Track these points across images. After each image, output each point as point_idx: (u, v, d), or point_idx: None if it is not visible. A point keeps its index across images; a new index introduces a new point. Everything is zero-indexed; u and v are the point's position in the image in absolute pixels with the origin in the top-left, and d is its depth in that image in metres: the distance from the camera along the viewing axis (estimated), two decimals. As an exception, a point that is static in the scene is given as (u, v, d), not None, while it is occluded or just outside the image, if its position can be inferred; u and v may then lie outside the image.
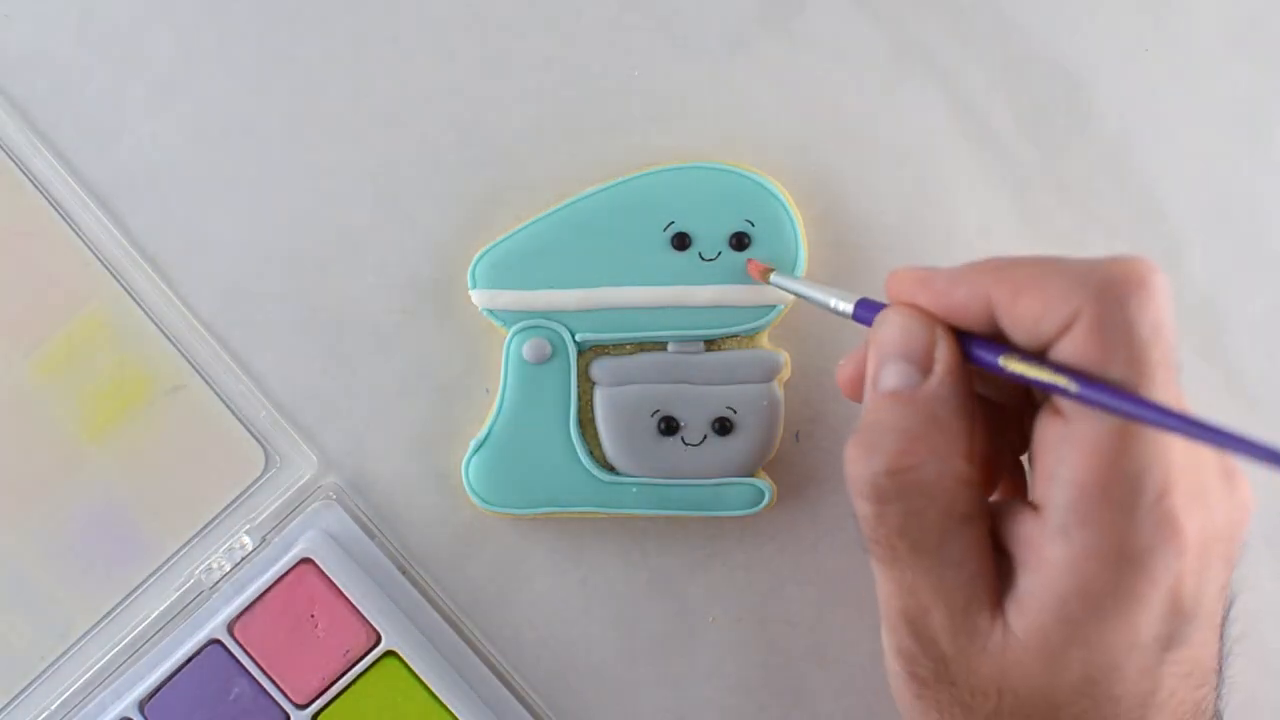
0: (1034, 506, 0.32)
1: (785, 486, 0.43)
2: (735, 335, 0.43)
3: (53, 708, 0.42)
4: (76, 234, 0.44)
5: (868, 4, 0.44)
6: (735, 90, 0.44)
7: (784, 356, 0.43)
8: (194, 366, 0.43)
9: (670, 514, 0.42)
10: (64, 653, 0.43)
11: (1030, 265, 0.32)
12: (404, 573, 0.43)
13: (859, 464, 0.33)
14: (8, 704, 0.42)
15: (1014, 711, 0.32)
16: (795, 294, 0.40)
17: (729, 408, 0.42)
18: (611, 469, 0.43)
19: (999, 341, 0.32)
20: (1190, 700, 0.33)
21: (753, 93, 0.44)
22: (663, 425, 0.42)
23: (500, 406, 0.43)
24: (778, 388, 0.43)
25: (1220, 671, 0.35)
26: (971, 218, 0.44)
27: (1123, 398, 0.30)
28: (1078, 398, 0.30)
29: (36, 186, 0.44)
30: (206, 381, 0.43)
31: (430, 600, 0.43)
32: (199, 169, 0.44)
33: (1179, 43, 0.45)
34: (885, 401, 0.33)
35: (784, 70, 0.44)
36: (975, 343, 0.33)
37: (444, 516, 0.44)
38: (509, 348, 0.42)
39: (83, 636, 0.43)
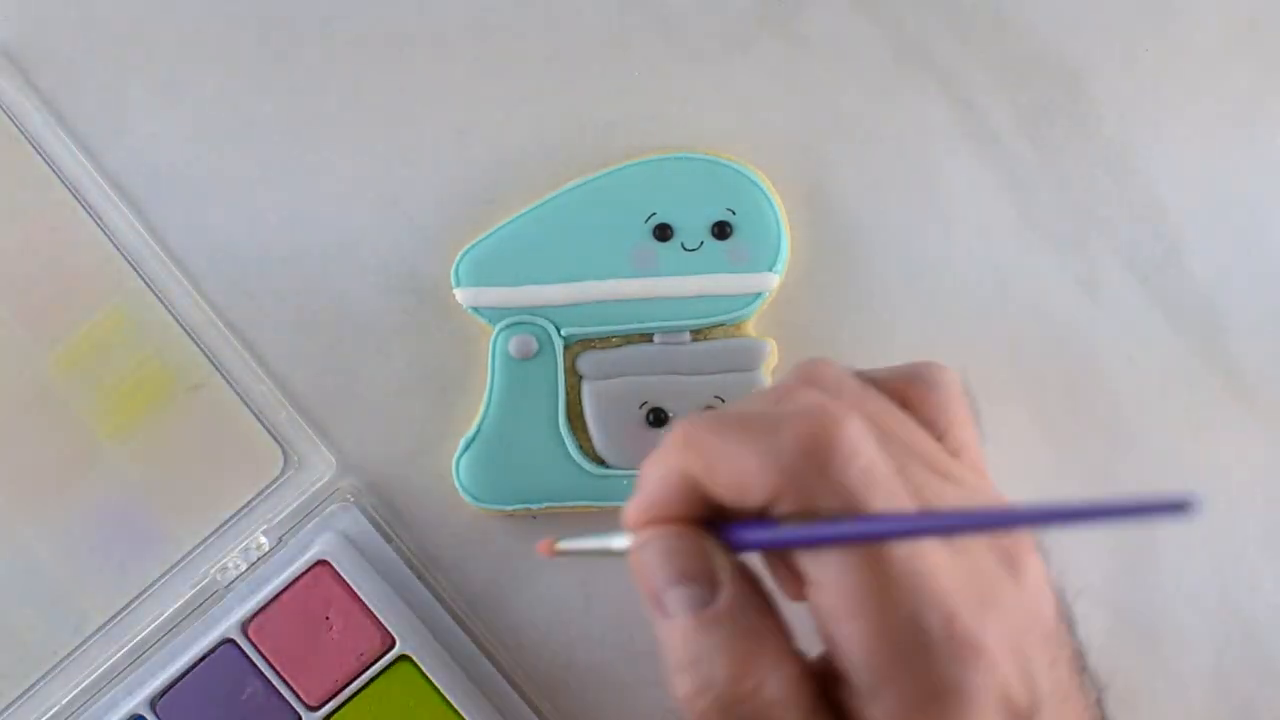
0: (841, 676, 0.31)
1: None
2: (721, 324, 0.43)
3: (64, 702, 0.43)
4: (101, 229, 0.44)
5: (868, 4, 0.44)
6: (735, 90, 0.44)
7: (770, 344, 0.43)
8: (214, 365, 0.44)
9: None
10: (77, 648, 0.43)
11: (716, 436, 0.31)
12: (419, 577, 0.43)
13: (698, 703, 0.30)
14: (20, 697, 0.43)
15: None
16: (583, 552, 0.37)
17: (717, 397, 0.43)
18: (602, 462, 0.43)
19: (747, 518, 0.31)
20: None
21: (752, 92, 0.44)
22: (651, 417, 0.43)
23: (488, 404, 0.43)
24: (765, 376, 0.43)
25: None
26: (971, 218, 0.44)
27: (844, 522, 0.29)
28: (801, 542, 0.29)
29: (62, 180, 0.44)
30: (226, 380, 0.44)
31: (444, 604, 0.43)
32: (209, 167, 0.44)
33: (1179, 43, 0.45)
34: (690, 629, 0.30)
35: (784, 70, 0.44)
36: (725, 529, 0.31)
37: (445, 516, 0.44)
38: (495, 345, 0.43)
39: (96, 632, 0.43)
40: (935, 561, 0.30)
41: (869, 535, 0.29)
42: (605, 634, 0.44)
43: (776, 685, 0.30)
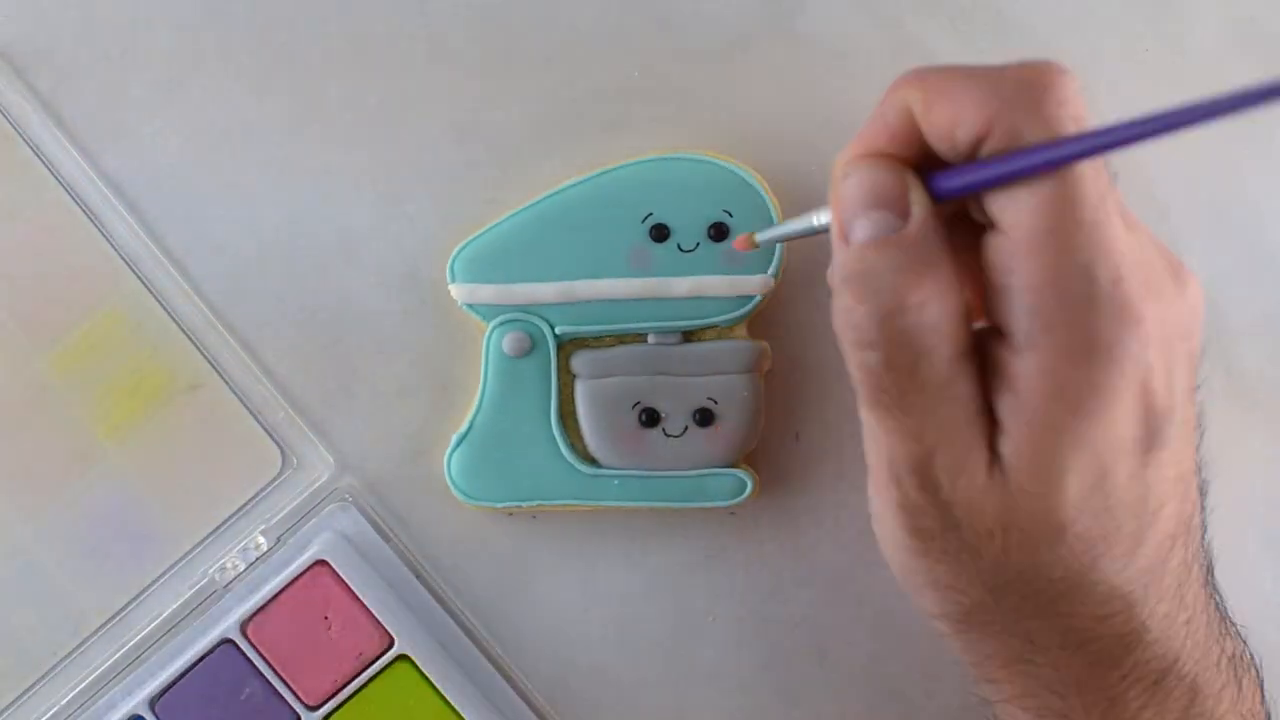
0: (999, 331, 0.31)
1: (784, 484, 0.44)
2: (714, 326, 0.43)
3: (63, 703, 0.43)
4: (99, 230, 0.44)
5: (868, 4, 0.44)
6: (735, 90, 0.44)
7: (764, 346, 0.43)
8: (213, 365, 0.44)
9: (652, 505, 0.43)
10: (76, 648, 0.43)
11: (941, 73, 0.31)
12: (418, 576, 0.43)
13: (858, 311, 0.31)
14: (19, 698, 0.43)
15: (1020, 545, 0.32)
16: (784, 238, 0.40)
17: (710, 399, 0.43)
18: (593, 461, 0.43)
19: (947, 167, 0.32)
20: (1181, 514, 0.33)
21: (753, 92, 0.44)
22: (644, 417, 0.43)
23: (481, 400, 0.43)
24: (758, 378, 0.43)
25: (1201, 497, 0.34)
26: (971, 218, 0.44)
27: (1049, 146, 0.30)
28: (1002, 177, 0.30)
29: (60, 181, 0.44)
30: (224, 381, 0.44)
31: (443, 604, 0.43)
32: (208, 168, 0.44)
33: (1179, 43, 0.45)
34: (870, 249, 0.31)
35: (784, 70, 0.44)
36: (930, 176, 0.32)
37: (444, 516, 0.44)
38: (489, 342, 0.43)
39: (95, 633, 0.43)
40: (1116, 228, 0.30)
41: (1068, 156, 0.30)
42: (605, 634, 0.44)
43: (938, 311, 0.31)
